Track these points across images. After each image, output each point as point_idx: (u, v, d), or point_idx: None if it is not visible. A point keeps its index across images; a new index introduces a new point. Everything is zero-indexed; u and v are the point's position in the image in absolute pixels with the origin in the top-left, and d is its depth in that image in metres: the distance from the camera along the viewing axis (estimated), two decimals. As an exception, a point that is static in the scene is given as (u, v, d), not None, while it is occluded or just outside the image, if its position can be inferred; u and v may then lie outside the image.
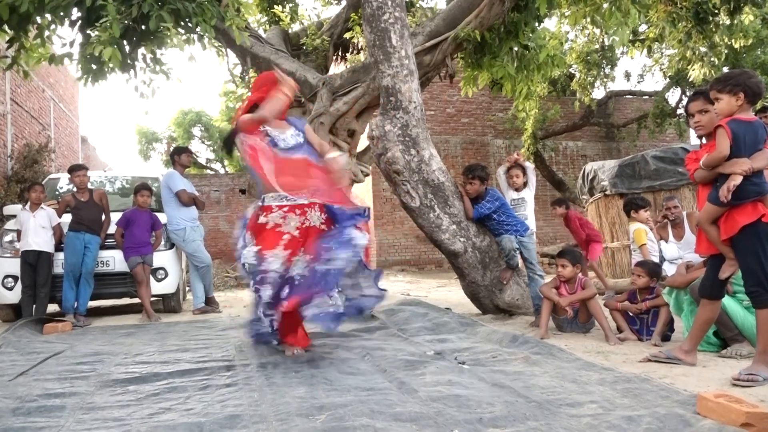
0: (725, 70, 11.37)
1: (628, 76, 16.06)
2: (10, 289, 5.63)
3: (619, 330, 3.79)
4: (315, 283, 3.14)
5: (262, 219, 3.31)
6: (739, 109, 2.65)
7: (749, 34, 8.97)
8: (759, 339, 2.62)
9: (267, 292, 3.13)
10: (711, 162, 2.65)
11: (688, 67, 9.15)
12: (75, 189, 5.83)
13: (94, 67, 5.07)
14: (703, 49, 8.72)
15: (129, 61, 5.41)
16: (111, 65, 4.92)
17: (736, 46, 9.10)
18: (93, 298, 5.77)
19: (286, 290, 3.15)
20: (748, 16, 8.17)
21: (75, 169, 5.77)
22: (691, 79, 9.88)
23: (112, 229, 5.83)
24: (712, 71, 9.03)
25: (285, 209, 3.30)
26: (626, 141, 17.27)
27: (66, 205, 5.66)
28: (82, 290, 5.55)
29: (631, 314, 3.79)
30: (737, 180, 2.55)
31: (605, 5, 6.63)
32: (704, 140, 2.92)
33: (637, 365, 2.93)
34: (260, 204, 3.38)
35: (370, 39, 5.13)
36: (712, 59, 8.88)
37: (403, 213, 12.93)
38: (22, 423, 2.13)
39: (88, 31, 5.01)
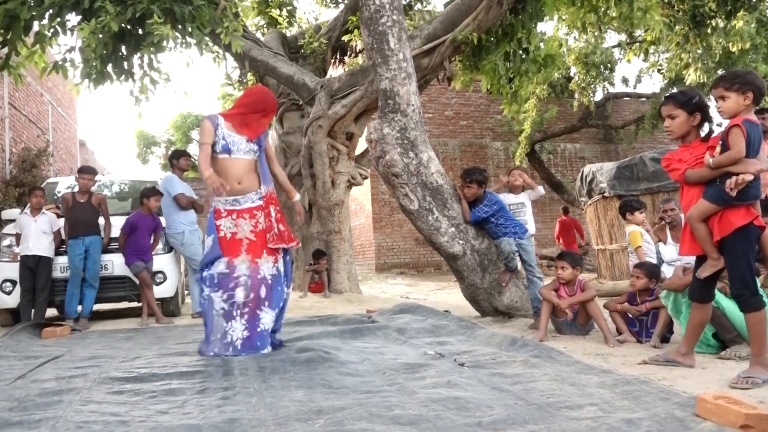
0: (719, 73, 11.41)
1: (626, 81, 16.13)
2: (9, 293, 5.62)
3: (619, 332, 3.79)
4: (281, 283, 3.59)
5: (222, 228, 3.54)
6: (746, 109, 2.62)
7: (746, 38, 8.99)
8: (752, 343, 2.62)
9: (241, 294, 3.44)
10: (724, 162, 2.60)
11: (685, 71, 9.18)
12: (77, 189, 5.83)
13: (91, 70, 5.08)
14: (699, 52, 8.75)
15: (126, 67, 5.43)
16: (109, 68, 4.94)
17: (734, 49, 9.12)
18: (91, 302, 5.76)
19: (263, 290, 3.48)
20: (738, 22, 8.21)
21: (82, 171, 5.77)
22: (687, 82, 9.91)
23: (115, 233, 5.83)
24: (705, 75, 9.06)
25: (234, 215, 3.55)
26: (624, 143, 17.30)
27: (66, 205, 5.65)
28: (87, 293, 5.54)
29: (630, 316, 3.79)
30: (749, 178, 2.54)
31: (602, 8, 6.64)
32: (680, 141, 2.92)
33: (636, 367, 2.92)
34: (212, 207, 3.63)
35: (368, 42, 5.14)
36: (707, 62, 8.90)
37: (401, 216, 12.94)
38: (19, 417, 2.14)
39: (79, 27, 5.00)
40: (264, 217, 3.60)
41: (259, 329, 3.44)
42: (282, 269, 3.62)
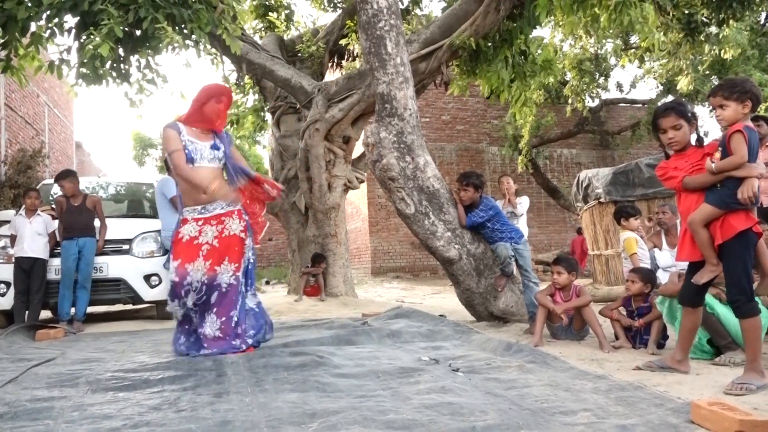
0: (712, 81, 11.47)
1: (620, 87, 16.23)
2: (3, 295, 5.59)
3: (616, 337, 3.79)
4: (239, 292, 3.57)
5: (182, 232, 3.56)
6: (744, 117, 2.65)
7: (738, 46, 9.05)
8: (747, 349, 2.63)
9: (191, 298, 3.48)
10: (727, 167, 2.63)
11: (677, 77, 9.24)
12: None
13: (88, 71, 5.06)
14: (691, 58, 8.81)
15: (123, 68, 5.42)
16: (107, 68, 4.92)
17: (726, 56, 9.18)
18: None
19: (215, 296, 3.50)
20: (730, 29, 8.28)
21: (60, 177, 5.65)
22: (678, 89, 9.98)
23: (109, 235, 5.80)
24: (696, 83, 9.12)
25: (200, 222, 3.56)
26: (620, 149, 17.37)
27: (60, 208, 5.61)
28: (80, 295, 5.50)
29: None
30: (755, 183, 2.57)
31: (603, 17, 6.66)
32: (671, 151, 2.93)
33: (630, 373, 2.92)
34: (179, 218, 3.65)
35: (366, 46, 5.15)
36: (699, 69, 8.96)
37: (398, 220, 12.94)
38: (10, 427, 2.12)
39: (83, 37, 5.01)
40: (239, 220, 3.63)
41: (204, 334, 3.52)
42: (243, 279, 3.62)
